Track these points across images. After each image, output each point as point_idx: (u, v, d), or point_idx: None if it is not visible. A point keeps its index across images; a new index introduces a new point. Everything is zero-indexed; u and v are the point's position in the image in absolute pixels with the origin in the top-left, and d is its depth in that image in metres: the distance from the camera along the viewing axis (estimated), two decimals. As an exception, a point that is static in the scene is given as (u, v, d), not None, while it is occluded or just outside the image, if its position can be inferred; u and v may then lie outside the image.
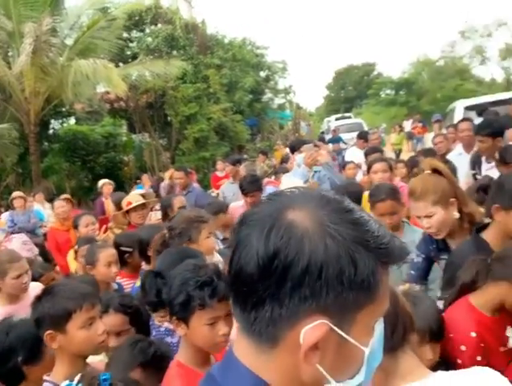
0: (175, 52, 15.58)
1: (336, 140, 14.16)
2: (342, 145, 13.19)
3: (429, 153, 4.80)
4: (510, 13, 33.66)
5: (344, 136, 15.84)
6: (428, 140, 11.06)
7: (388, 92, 38.10)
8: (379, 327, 0.74)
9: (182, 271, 1.57)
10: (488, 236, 2.02)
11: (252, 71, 17.72)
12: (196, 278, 1.50)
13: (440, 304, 1.85)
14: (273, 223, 0.68)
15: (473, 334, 1.58)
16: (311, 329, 0.67)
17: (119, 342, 2.00)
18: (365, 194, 3.63)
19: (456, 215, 2.22)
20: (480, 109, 7.17)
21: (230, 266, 0.72)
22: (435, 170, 2.27)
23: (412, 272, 2.37)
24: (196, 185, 6.78)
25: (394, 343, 1.13)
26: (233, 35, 18.49)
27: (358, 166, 6.27)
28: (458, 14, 48.59)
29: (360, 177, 5.76)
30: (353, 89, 44.48)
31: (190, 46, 15.98)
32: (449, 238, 2.28)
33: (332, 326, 0.68)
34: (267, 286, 0.67)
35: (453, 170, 3.39)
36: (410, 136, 16.77)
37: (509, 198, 1.94)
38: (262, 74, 19.35)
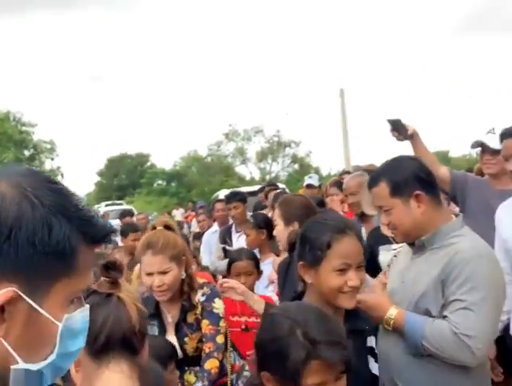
0: None
1: (105, 225, 13.90)
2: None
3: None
4: (266, 121, 39.41)
5: (114, 222, 15.63)
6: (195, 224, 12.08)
7: (160, 182, 39.48)
8: (83, 313, 0.73)
9: None
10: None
11: (14, 147, 16.39)
12: None
13: None
14: None
15: None
16: None
17: None
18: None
19: (184, 274, 2.22)
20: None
21: None
22: (167, 227, 2.29)
23: None
24: None
25: (95, 350, 1.14)
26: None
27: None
28: (223, 117, 54.91)
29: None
30: (125, 178, 44.65)
31: None
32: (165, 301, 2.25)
33: (21, 293, 0.64)
34: None
35: None
36: (180, 224, 17.55)
37: (314, 253, 1.63)
38: (27, 152, 18.06)
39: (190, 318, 2.31)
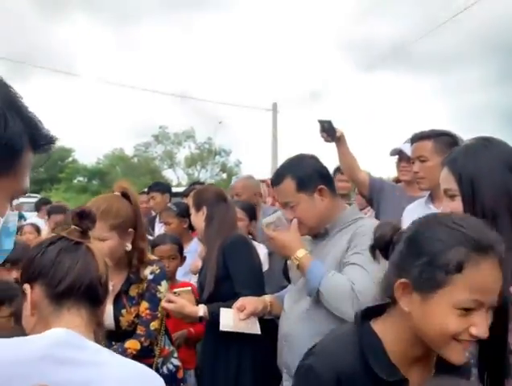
0: None
1: (19, 217, 13.34)
2: (23, 222, 12.52)
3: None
4: (198, 128, 39.20)
5: (29, 214, 14.99)
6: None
7: (81, 179, 37.99)
8: (15, 216, 0.78)
9: None
10: (381, 327, 1.16)
11: None
12: None
13: None
14: None
15: None
16: None
17: None
18: None
19: (129, 247, 2.18)
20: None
21: None
22: (125, 195, 2.22)
23: None
24: None
25: (57, 292, 1.13)
26: None
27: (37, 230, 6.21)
28: (154, 118, 53.88)
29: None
30: (44, 171, 42.50)
31: None
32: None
33: None
34: None
35: None
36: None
37: (431, 273, 1.05)
38: None
39: (133, 292, 2.24)
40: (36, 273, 1.14)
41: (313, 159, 2.05)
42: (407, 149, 3.04)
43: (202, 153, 38.54)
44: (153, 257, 2.32)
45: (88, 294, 1.15)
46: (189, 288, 2.38)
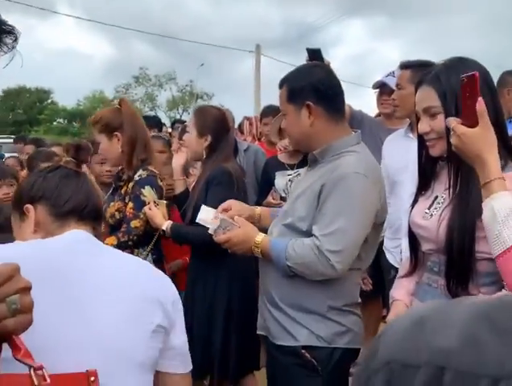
0: None
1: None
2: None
3: None
4: (179, 70, 38.14)
5: (8, 155, 15.03)
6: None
7: (60, 120, 37.19)
8: None
9: None
10: None
11: None
12: None
13: None
14: None
15: None
16: None
17: None
18: None
19: (118, 148, 2.49)
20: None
21: None
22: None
23: None
24: None
25: (63, 211, 1.19)
26: None
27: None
28: (134, 60, 52.11)
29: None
30: (23, 113, 41.44)
31: None
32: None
33: None
34: None
35: None
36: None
37: None
38: None
39: (122, 189, 2.48)
40: (39, 194, 1.20)
41: (317, 71, 1.85)
42: (390, 82, 3.03)
43: (184, 96, 37.79)
44: (151, 168, 2.47)
45: (92, 214, 1.24)
46: (165, 201, 2.50)
